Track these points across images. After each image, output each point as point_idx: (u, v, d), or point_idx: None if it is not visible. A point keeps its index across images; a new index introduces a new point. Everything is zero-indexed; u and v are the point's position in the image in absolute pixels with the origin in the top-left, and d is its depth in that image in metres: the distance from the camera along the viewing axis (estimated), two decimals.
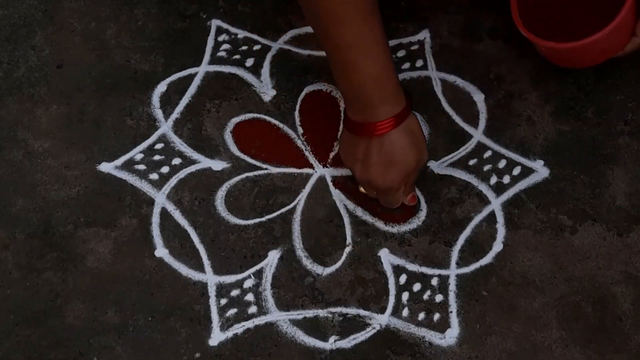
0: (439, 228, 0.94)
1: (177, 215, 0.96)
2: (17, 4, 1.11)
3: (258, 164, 0.99)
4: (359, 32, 0.83)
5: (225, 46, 1.07)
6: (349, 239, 0.94)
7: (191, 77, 1.05)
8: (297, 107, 1.02)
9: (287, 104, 1.02)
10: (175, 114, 1.02)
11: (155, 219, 0.96)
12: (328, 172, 0.98)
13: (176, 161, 0.99)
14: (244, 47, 1.06)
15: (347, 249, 0.93)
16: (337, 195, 0.97)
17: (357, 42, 0.84)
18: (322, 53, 1.05)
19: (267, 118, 1.02)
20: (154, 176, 0.98)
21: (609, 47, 0.95)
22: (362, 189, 0.95)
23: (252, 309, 0.90)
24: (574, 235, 0.93)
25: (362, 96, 0.86)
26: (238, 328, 0.89)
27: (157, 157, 1.00)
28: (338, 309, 0.90)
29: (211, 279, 0.92)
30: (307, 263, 0.93)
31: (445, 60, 1.04)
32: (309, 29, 1.07)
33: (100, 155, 1.00)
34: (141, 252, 0.94)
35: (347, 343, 0.88)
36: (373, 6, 0.83)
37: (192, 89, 1.04)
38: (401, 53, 1.05)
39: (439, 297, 0.90)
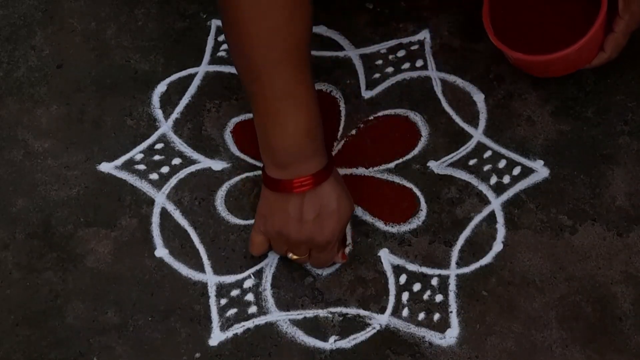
0: (439, 228, 0.94)
1: (177, 215, 0.96)
2: (17, 4, 1.11)
3: (258, 163, 0.99)
4: (293, 80, 0.81)
5: (225, 46, 1.07)
6: (349, 239, 0.94)
7: (191, 77, 1.05)
8: None
9: None
10: (175, 114, 1.02)
11: (155, 219, 0.96)
12: None
13: (176, 161, 0.99)
14: None
15: (347, 249, 0.93)
16: None
17: (291, 92, 0.81)
18: (322, 53, 1.05)
19: None
20: (154, 176, 0.98)
21: (577, 61, 0.96)
22: (291, 255, 0.88)
23: (252, 309, 0.90)
24: (574, 235, 0.93)
25: (293, 148, 0.82)
26: (238, 328, 0.89)
27: (157, 157, 1.00)
28: (338, 309, 0.90)
29: (211, 279, 0.92)
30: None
31: (445, 60, 1.04)
32: None
33: (100, 155, 1.00)
34: (141, 252, 0.94)
35: (347, 343, 0.88)
36: (307, 53, 0.82)
37: (192, 89, 1.04)
38: (401, 53, 1.05)
39: (439, 297, 0.90)
